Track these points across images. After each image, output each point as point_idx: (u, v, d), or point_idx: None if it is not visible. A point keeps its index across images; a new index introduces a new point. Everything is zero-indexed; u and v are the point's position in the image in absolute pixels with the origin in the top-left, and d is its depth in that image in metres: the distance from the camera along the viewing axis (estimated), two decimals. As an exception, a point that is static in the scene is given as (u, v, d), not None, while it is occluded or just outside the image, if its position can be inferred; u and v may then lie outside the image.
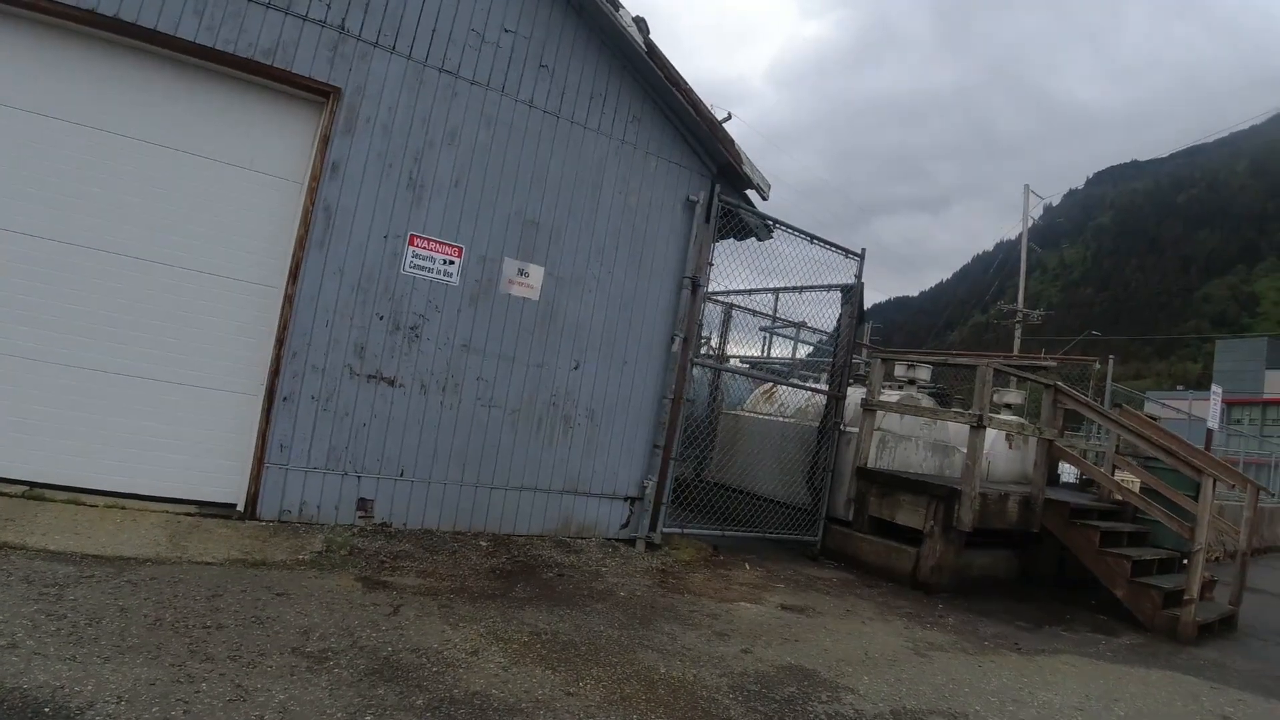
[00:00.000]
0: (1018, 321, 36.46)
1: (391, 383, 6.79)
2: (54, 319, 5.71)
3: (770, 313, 12.42)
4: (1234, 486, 11.53)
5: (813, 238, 9.40)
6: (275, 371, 6.29)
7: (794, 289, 10.26)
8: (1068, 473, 14.71)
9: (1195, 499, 8.46)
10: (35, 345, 5.66)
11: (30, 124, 5.61)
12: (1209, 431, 16.27)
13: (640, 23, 7.56)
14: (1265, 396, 56.79)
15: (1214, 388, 17.22)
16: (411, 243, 6.81)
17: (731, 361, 13.34)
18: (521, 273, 7.40)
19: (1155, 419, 13.01)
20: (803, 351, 14.05)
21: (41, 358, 5.67)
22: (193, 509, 6.07)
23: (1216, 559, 12.67)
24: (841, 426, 9.89)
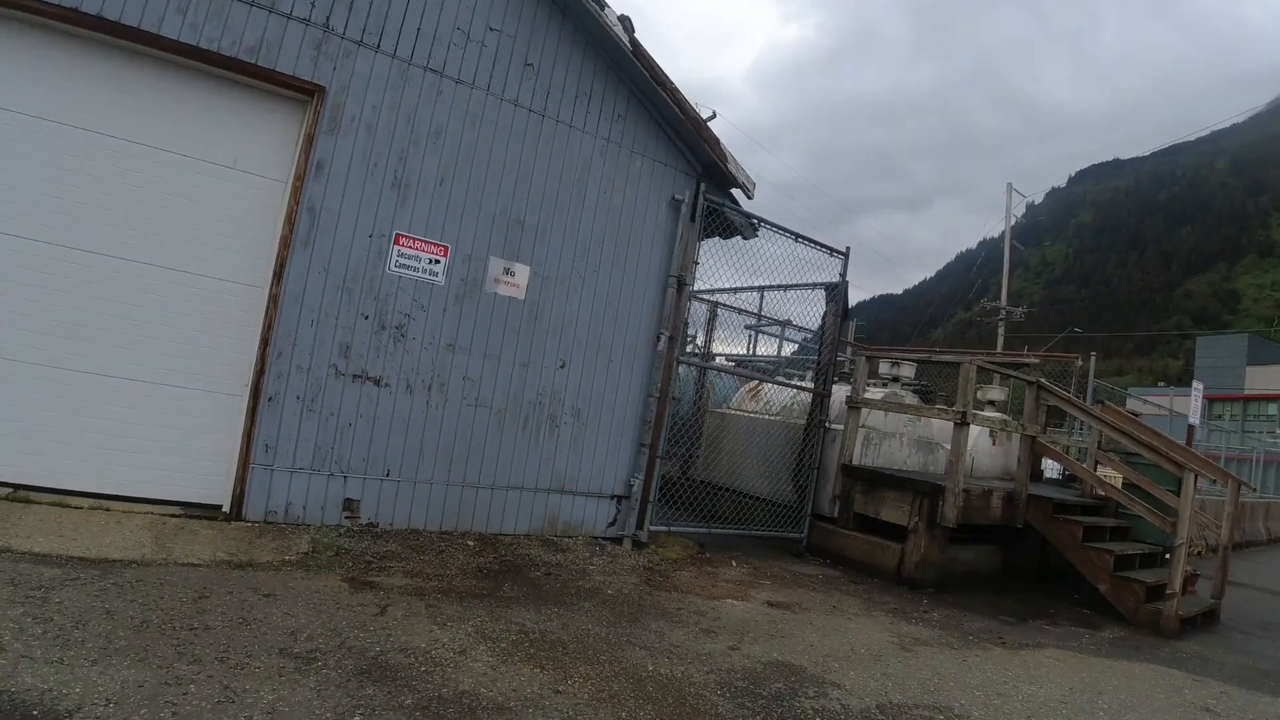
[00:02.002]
0: (1001, 319, 36.66)
1: (377, 382, 6.77)
2: (36, 320, 5.67)
3: (755, 311, 12.45)
4: (1215, 481, 11.64)
5: (797, 236, 9.43)
6: (260, 371, 6.27)
7: (779, 287, 10.30)
8: (1050, 468, 14.81)
9: (1177, 494, 8.54)
10: (17, 347, 5.61)
11: (9, 123, 5.57)
12: (1190, 427, 16.40)
13: (625, 21, 7.56)
14: (1246, 392, 57.38)
15: (1195, 384, 17.34)
16: (397, 242, 6.80)
17: (717, 360, 13.37)
18: (507, 272, 7.40)
19: (1137, 415, 13.12)
20: (788, 350, 14.11)
21: (24, 359, 5.63)
22: (178, 510, 6.05)
23: (1199, 553, 12.81)
24: (826, 424, 9.93)
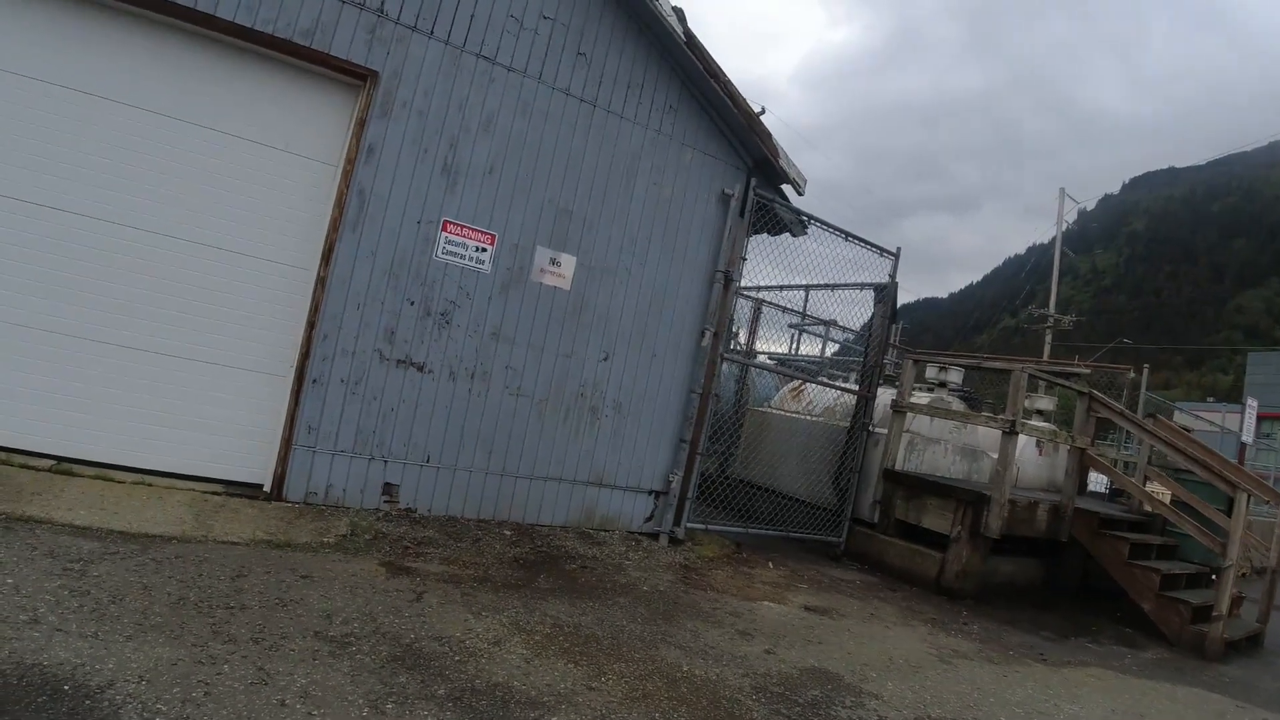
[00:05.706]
0: (1048, 326, 36.03)
1: (420, 368, 6.77)
2: (87, 295, 5.73)
3: (800, 309, 12.30)
4: (1267, 502, 11.33)
5: (848, 235, 9.29)
6: (305, 354, 6.29)
7: (828, 286, 10.16)
8: (1094, 481, 14.53)
9: (1228, 513, 8.30)
10: (68, 321, 5.67)
11: (69, 100, 5.62)
12: (1242, 445, 16.01)
13: (679, 13, 7.47)
14: (1296, 411, 55.95)
15: (1249, 400, 16.94)
16: (444, 228, 6.78)
17: (760, 358, 13.23)
18: (553, 262, 7.35)
19: (1189, 430, 12.81)
20: (830, 350, 13.95)
21: (73, 334, 5.69)
22: (219, 488, 6.08)
23: (1244, 575, 12.48)
24: (870, 427, 9.78)
